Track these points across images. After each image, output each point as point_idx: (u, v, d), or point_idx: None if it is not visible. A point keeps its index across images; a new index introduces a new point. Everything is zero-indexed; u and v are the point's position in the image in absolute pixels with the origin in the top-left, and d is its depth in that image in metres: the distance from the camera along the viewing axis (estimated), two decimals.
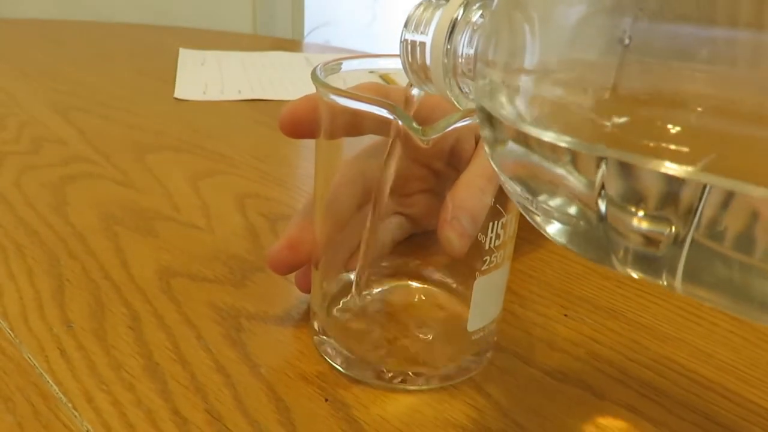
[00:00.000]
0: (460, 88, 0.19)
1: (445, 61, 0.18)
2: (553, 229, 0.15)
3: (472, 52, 0.18)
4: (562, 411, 0.25)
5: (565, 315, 0.31)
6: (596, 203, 0.13)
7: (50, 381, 0.25)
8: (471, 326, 0.25)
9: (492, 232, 0.23)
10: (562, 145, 0.13)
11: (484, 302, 0.25)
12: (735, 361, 0.28)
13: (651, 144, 0.12)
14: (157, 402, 0.24)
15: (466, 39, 0.18)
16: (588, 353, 0.28)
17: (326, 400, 0.25)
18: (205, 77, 0.72)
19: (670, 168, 0.11)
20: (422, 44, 0.19)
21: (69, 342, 0.27)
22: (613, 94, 0.12)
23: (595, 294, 0.33)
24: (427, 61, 0.19)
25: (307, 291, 0.29)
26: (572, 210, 0.14)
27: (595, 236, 0.13)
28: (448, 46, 0.18)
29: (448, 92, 0.19)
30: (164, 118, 0.58)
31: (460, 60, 0.18)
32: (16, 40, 0.89)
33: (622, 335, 0.30)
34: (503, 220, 0.24)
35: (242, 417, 0.24)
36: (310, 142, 0.27)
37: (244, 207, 0.40)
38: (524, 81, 0.14)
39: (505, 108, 0.15)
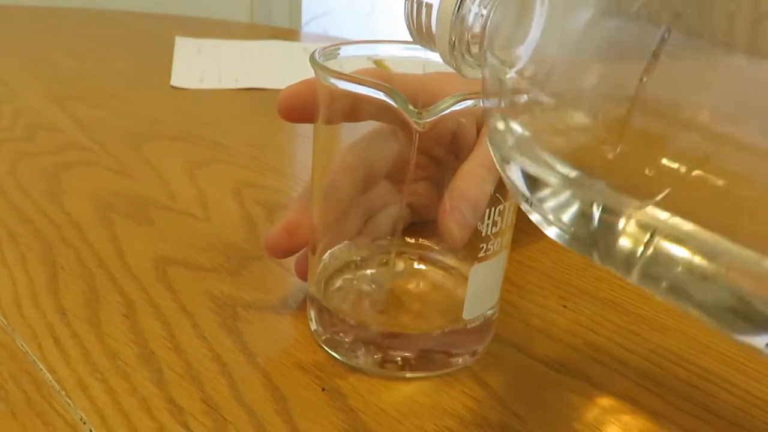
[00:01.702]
0: (463, 55, 0.19)
1: (453, 21, 0.18)
2: (550, 232, 0.15)
3: (479, 27, 0.18)
4: (561, 401, 0.25)
5: (564, 306, 0.31)
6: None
7: (43, 369, 0.24)
8: (467, 314, 0.25)
9: (489, 219, 0.23)
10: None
11: (481, 290, 0.25)
12: (734, 352, 0.28)
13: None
14: (152, 390, 0.24)
15: (475, 8, 0.18)
16: (586, 344, 0.28)
17: (323, 389, 0.24)
18: (201, 66, 0.72)
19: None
20: (428, 5, 0.19)
21: (63, 330, 0.27)
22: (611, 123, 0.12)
23: (593, 285, 0.33)
24: (433, 26, 0.19)
25: (306, 279, 0.29)
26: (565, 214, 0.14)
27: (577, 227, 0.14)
28: (456, 22, 0.18)
29: (451, 60, 0.19)
30: (160, 107, 0.58)
31: (466, 33, 0.18)
32: (11, 28, 0.88)
33: (621, 326, 0.30)
34: (500, 207, 0.24)
35: (238, 406, 0.23)
36: (308, 132, 0.26)
37: (241, 196, 0.40)
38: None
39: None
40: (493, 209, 0.23)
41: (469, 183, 0.24)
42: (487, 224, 0.23)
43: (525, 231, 0.38)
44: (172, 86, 0.64)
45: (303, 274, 0.29)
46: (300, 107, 0.27)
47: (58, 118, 0.53)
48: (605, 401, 0.25)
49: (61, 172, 0.42)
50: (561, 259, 0.35)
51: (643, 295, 0.32)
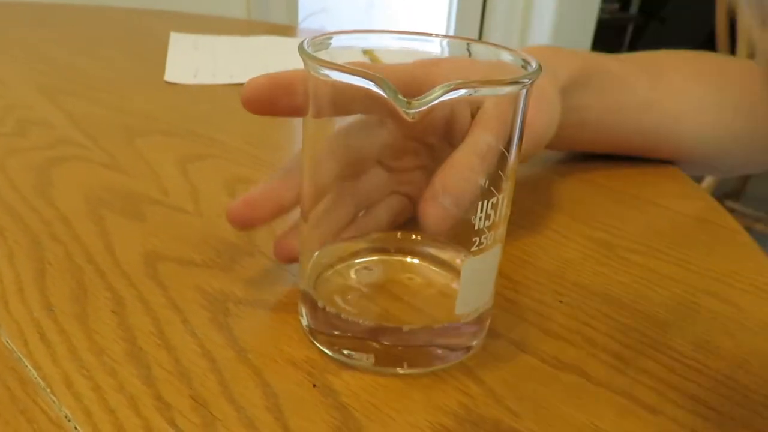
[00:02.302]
0: None
1: None
2: None
3: None
4: (557, 398, 0.24)
5: (561, 301, 0.30)
6: None
7: (29, 365, 0.24)
8: (460, 309, 0.24)
9: (482, 212, 0.23)
10: None
11: (474, 285, 0.24)
12: (732, 347, 0.28)
13: None
14: (139, 387, 0.23)
15: None
16: (583, 339, 0.28)
17: (314, 386, 0.24)
18: (196, 61, 0.71)
19: None
20: None
21: (50, 326, 0.26)
22: None
23: (590, 280, 0.32)
24: None
25: (285, 260, 0.29)
26: None
27: None
28: None
29: None
30: (154, 102, 0.57)
31: None
32: (3, 23, 0.88)
33: (618, 321, 0.29)
34: (494, 200, 0.23)
35: (228, 403, 0.23)
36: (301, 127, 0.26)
37: (235, 191, 0.40)
38: None
39: None
40: (486, 202, 0.23)
41: (452, 172, 0.23)
42: (480, 217, 0.23)
43: (521, 225, 0.37)
44: (166, 81, 0.63)
45: (282, 256, 0.29)
46: (260, 100, 0.27)
47: (50, 113, 0.52)
48: (602, 397, 0.24)
49: (52, 167, 0.41)
50: (557, 253, 0.34)
51: (640, 290, 0.32)
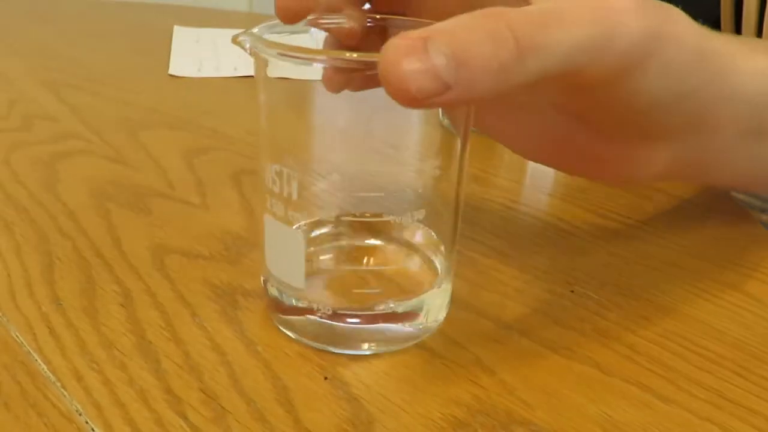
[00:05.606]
0: None
1: None
2: None
3: None
4: (569, 388, 0.24)
5: (572, 291, 0.30)
6: None
7: (38, 359, 0.24)
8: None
9: None
10: None
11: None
12: (747, 337, 0.27)
13: None
14: (149, 381, 0.23)
15: None
16: (595, 329, 0.27)
17: (325, 378, 0.24)
18: (200, 54, 0.71)
19: None
20: None
21: (58, 320, 0.26)
22: None
23: (601, 270, 0.32)
24: None
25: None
26: None
27: None
28: None
29: None
30: (158, 95, 0.57)
31: None
32: (6, 17, 0.87)
33: (630, 311, 0.29)
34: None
35: (238, 396, 0.23)
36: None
37: (240, 183, 0.39)
38: None
39: None
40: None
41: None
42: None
43: (531, 215, 0.37)
44: (170, 75, 0.63)
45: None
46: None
47: (54, 107, 0.52)
48: (615, 387, 0.24)
49: (57, 162, 0.41)
50: (568, 243, 0.34)
51: (652, 280, 0.31)
